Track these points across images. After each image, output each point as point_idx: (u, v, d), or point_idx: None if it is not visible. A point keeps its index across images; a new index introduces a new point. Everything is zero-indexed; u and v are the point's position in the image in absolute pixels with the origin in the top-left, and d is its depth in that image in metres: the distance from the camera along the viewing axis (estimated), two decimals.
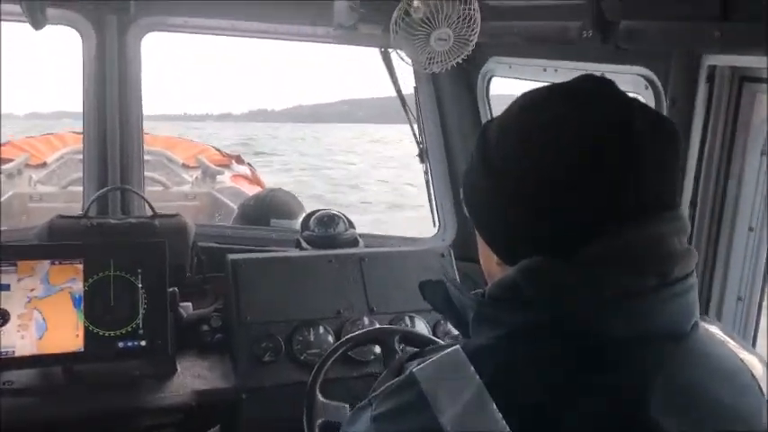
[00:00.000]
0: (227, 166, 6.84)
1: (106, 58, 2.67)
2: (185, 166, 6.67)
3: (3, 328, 1.88)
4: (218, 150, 7.35)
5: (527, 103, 0.93)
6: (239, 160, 7.20)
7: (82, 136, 6.66)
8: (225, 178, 6.46)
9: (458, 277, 2.45)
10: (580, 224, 0.83)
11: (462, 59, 2.47)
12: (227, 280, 2.23)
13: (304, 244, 2.56)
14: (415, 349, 1.68)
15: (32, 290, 1.93)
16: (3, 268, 1.92)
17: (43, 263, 1.96)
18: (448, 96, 2.93)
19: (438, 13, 2.37)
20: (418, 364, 0.84)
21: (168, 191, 5.89)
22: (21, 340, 1.89)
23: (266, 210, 3.19)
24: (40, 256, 1.97)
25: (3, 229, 2.98)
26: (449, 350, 0.85)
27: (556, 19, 2.22)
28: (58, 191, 5.64)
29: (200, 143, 7.71)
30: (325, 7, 2.75)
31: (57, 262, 1.97)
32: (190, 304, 2.32)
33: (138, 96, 2.78)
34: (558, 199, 0.83)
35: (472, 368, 0.79)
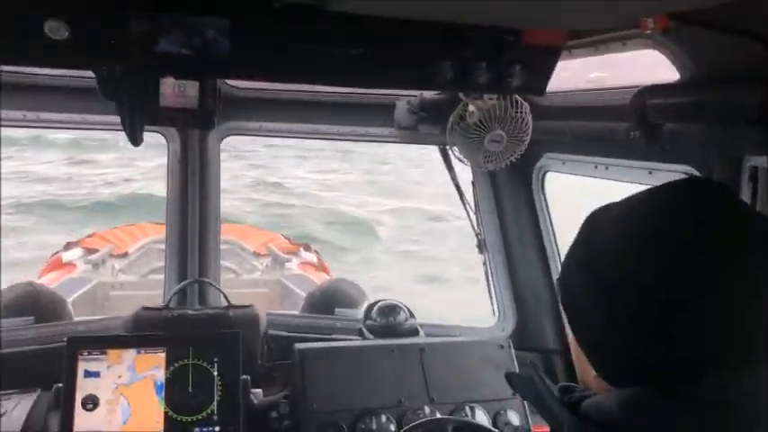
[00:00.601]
0: (295, 254, 7.10)
1: (188, 161, 2.94)
2: (256, 254, 6.98)
3: (93, 411, 2.06)
4: (287, 238, 7.65)
5: (643, 211, 0.86)
6: (306, 248, 7.46)
7: (161, 227, 7.04)
8: (293, 265, 6.69)
9: (517, 367, 2.50)
10: (696, 357, 0.76)
11: (516, 158, 2.62)
12: (294, 368, 2.36)
13: (366, 333, 2.68)
14: None
15: (120, 377, 2.12)
16: (94, 357, 2.12)
17: (130, 351, 2.15)
18: (504, 190, 3.06)
19: (491, 116, 2.54)
20: None
21: (240, 278, 6.15)
22: (108, 425, 2.06)
23: (331, 299, 3.34)
24: (128, 346, 2.16)
25: (91, 318, 3.22)
26: None
27: (604, 119, 2.35)
28: (138, 279, 5.98)
29: (270, 232, 8.05)
30: (388, 109, 2.97)
31: (142, 351, 2.16)
32: (260, 391, 2.44)
33: (217, 194, 3.03)
34: (679, 324, 0.76)
35: None
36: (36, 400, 2.27)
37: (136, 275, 6.12)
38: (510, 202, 3.06)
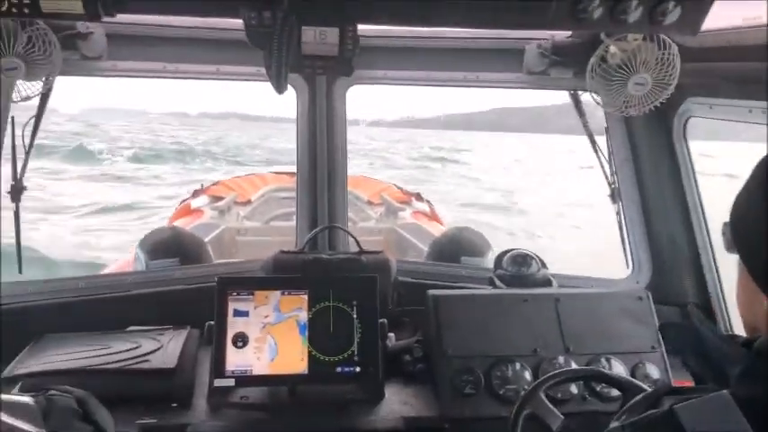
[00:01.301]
0: (408, 203, 7.15)
1: (317, 110, 2.99)
2: (370, 203, 7.08)
3: (243, 349, 2.17)
4: (400, 188, 7.70)
5: None
6: (419, 197, 7.49)
7: (280, 176, 7.27)
8: (406, 215, 6.76)
9: (656, 322, 2.42)
10: None
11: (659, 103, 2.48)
12: (428, 314, 2.39)
13: (498, 282, 2.66)
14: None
15: (266, 317, 2.22)
16: (243, 297, 2.23)
17: (275, 293, 2.25)
18: (642, 137, 2.91)
19: (635, 58, 2.41)
20: (677, 402, 0.87)
21: (355, 226, 6.28)
22: (257, 361, 2.17)
23: (457, 247, 3.35)
24: (273, 287, 2.26)
25: (230, 261, 3.39)
26: (715, 394, 0.84)
27: (762, 59, 2.17)
28: (261, 225, 6.23)
29: (382, 181, 8.13)
30: (516, 54, 2.88)
31: (286, 292, 2.25)
32: (392, 334, 2.50)
33: (344, 144, 3.07)
34: None
35: (744, 418, 0.80)
36: (187, 335, 2.43)
37: (258, 222, 6.38)
38: (647, 149, 2.91)
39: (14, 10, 1.79)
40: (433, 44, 2.97)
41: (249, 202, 6.82)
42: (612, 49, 2.44)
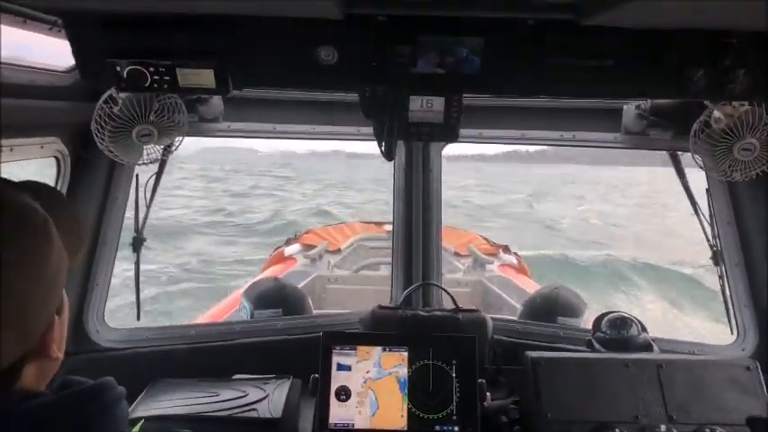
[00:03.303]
0: (496, 255, 7.13)
1: (413, 167, 3.10)
2: (457, 255, 7.12)
3: (345, 402, 2.25)
4: (486, 240, 7.70)
5: None
6: (506, 250, 7.46)
7: (368, 225, 7.42)
8: (494, 267, 6.74)
9: (766, 393, 2.33)
10: None
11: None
12: (527, 375, 2.40)
13: (597, 345, 2.64)
14: None
15: (368, 372, 2.29)
16: (345, 351, 2.32)
17: (376, 349, 2.32)
18: (745, 199, 2.85)
19: (741, 123, 2.38)
20: None
21: (443, 277, 6.31)
22: (358, 415, 2.24)
23: (553, 307, 3.33)
24: (375, 343, 2.33)
25: (330, 312, 3.51)
26: None
27: None
28: (350, 274, 6.37)
29: (469, 232, 8.16)
30: (613, 114, 2.90)
31: (387, 349, 2.32)
32: (488, 394, 2.51)
33: (438, 200, 3.15)
34: None
35: None
36: (291, 386, 2.53)
37: (348, 270, 6.53)
38: (751, 210, 2.84)
39: (156, 86, 2.00)
40: (527, 104, 3.03)
41: (339, 250, 7.00)
42: (717, 113, 2.43)
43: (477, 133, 3.13)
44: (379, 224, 7.80)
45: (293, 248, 6.87)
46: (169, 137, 2.50)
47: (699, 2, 1.62)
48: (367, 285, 5.90)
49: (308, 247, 6.87)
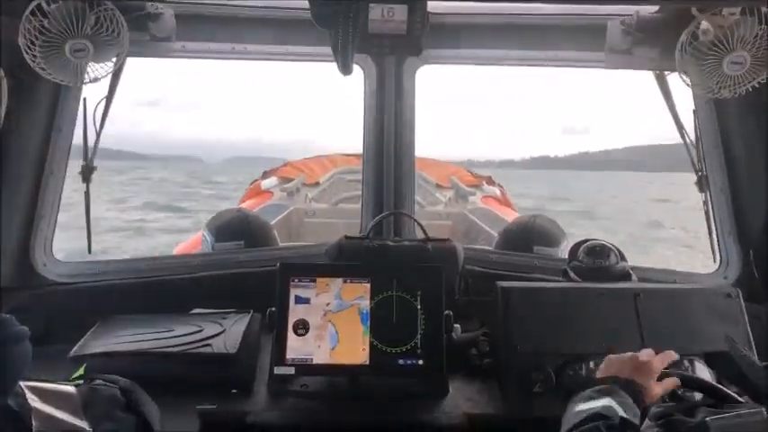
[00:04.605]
0: (479, 187, 6.99)
1: (385, 91, 2.89)
2: (439, 187, 6.97)
3: (304, 336, 2.12)
4: (470, 171, 7.55)
5: None
6: (490, 181, 7.32)
7: (349, 158, 7.23)
8: (476, 199, 6.61)
9: (747, 321, 2.23)
10: None
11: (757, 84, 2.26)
12: (497, 306, 2.27)
13: (572, 274, 2.51)
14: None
15: (327, 304, 2.16)
16: (304, 284, 2.18)
17: (337, 280, 2.18)
18: (733, 120, 2.69)
19: (731, 35, 2.20)
20: (711, 414, 0.82)
21: (423, 209, 6.18)
22: (317, 349, 2.12)
23: (529, 236, 3.20)
24: (335, 275, 2.19)
25: (296, 244, 3.36)
26: (752, 411, 0.79)
27: None
28: (328, 207, 6.22)
29: (452, 165, 7.99)
30: (596, 32, 2.69)
31: (348, 280, 2.19)
32: (458, 326, 2.39)
33: (412, 126, 2.96)
34: None
35: None
36: (250, 320, 2.40)
37: (326, 204, 6.37)
38: (740, 134, 2.68)
39: None
40: (507, 21, 2.82)
41: (317, 183, 6.83)
42: (705, 24, 2.23)
43: (454, 53, 2.91)
44: (360, 156, 7.57)
45: (270, 182, 6.69)
46: (109, 53, 2.28)
47: None
48: (345, 219, 5.76)
49: (286, 180, 6.69)
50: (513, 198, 7.49)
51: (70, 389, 1.41)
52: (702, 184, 2.81)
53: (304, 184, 6.67)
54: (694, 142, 2.82)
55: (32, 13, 2.14)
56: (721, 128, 2.73)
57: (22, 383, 1.24)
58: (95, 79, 2.37)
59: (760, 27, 2.18)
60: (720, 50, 2.22)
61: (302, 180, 6.66)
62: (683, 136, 2.85)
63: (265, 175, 6.98)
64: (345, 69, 2.02)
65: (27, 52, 2.16)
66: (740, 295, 2.28)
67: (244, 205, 6.02)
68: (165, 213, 25.81)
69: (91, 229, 2.78)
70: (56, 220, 2.69)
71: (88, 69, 2.37)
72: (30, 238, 2.61)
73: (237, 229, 3.15)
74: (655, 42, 2.56)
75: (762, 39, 2.18)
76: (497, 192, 7.07)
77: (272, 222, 5.06)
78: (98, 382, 1.56)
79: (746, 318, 2.23)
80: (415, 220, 2.83)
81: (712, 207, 2.80)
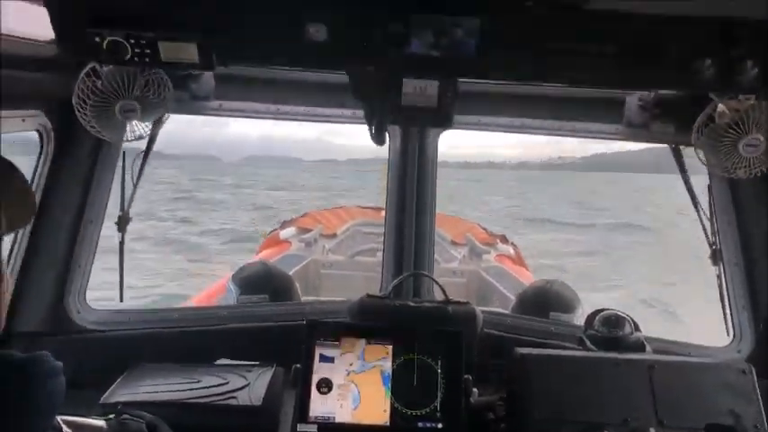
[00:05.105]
0: (493, 245, 7.06)
1: (408, 156, 3.01)
2: (454, 243, 7.04)
3: (327, 395, 2.18)
4: (485, 229, 7.63)
5: None
6: (504, 240, 7.39)
7: (366, 211, 7.34)
8: (490, 257, 6.67)
9: (760, 398, 2.26)
10: None
11: None
12: (515, 372, 2.32)
13: (588, 343, 2.56)
14: None
15: (351, 364, 2.22)
16: (329, 343, 2.25)
17: (360, 341, 2.25)
18: (747, 198, 2.77)
19: (747, 118, 2.30)
20: None
21: (438, 266, 6.24)
22: (339, 408, 2.17)
23: (545, 301, 3.26)
24: (359, 335, 2.26)
25: (318, 299, 3.44)
26: None
27: None
28: (345, 260, 6.31)
29: (468, 221, 8.08)
30: (615, 105, 2.80)
31: (371, 341, 2.25)
32: (476, 390, 2.44)
33: (433, 189, 3.07)
34: None
35: None
36: (273, 374, 2.46)
37: (343, 256, 6.46)
38: (753, 210, 2.76)
39: (137, 59, 1.91)
40: (528, 91, 2.93)
41: (335, 235, 6.93)
42: (721, 107, 2.34)
43: (476, 120, 3.03)
44: (377, 209, 7.71)
45: (289, 232, 6.81)
46: (154, 113, 2.42)
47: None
48: (362, 271, 5.84)
49: (304, 230, 6.80)
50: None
51: (101, 423, 1.54)
52: (716, 257, 2.87)
53: (322, 234, 6.77)
54: (708, 217, 2.89)
55: (87, 74, 2.27)
56: (736, 204, 2.80)
57: (58, 417, 1.32)
58: (140, 137, 2.50)
59: None
60: (736, 133, 2.32)
61: (320, 231, 6.77)
62: (697, 209, 2.92)
63: (284, 224, 7.11)
64: (380, 141, 2.13)
65: (79, 111, 2.29)
66: (753, 371, 2.32)
67: (263, 254, 6.13)
68: None
69: (124, 278, 2.87)
70: (90, 270, 2.79)
71: (133, 127, 2.51)
72: (65, 285, 2.71)
73: (262, 283, 3.24)
74: (671, 118, 2.67)
75: None
76: (511, 250, 7.14)
77: (291, 272, 5.15)
78: (126, 416, 1.64)
79: (759, 394, 2.27)
80: (436, 281, 2.90)
81: (726, 281, 2.85)
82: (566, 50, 1.92)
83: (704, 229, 2.92)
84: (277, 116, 2.96)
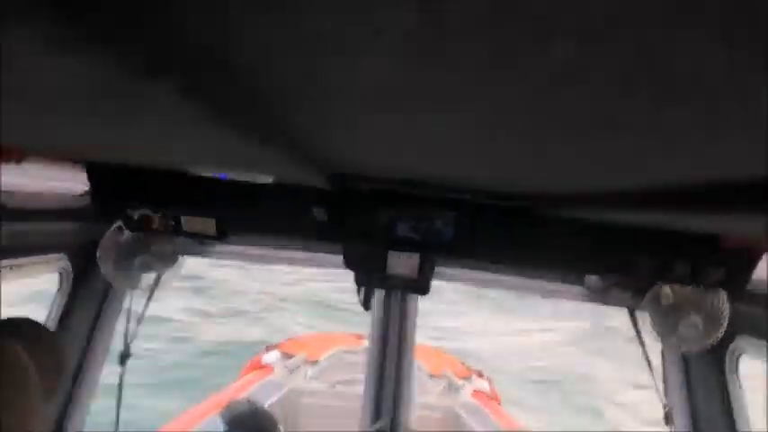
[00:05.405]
0: (468, 380, 7.18)
1: (390, 317, 3.29)
2: (431, 376, 7.16)
3: None
4: (463, 363, 7.76)
5: None
6: (480, 374, 7.51)
7: (348, 338, 7.40)
8: (466, 392, 6.77)
9: None
10: None
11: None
12: None
13: None
14: None
15: None
16: None
17: None
18: (696, 367, 3.03)
19: (687, 303, 2.62)
20: None
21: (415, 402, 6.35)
22: None
23: None
24: None
25: None
26: None
27: None
28: (326, 389, 6.40)
29: (448, 355, 8.22)
30: (575, 270, 3.13)
31: None
32: None
33: (412, 346, 3.34)
34: None
35: None
36: None
37: (324, 384, 6.55)
38: (700, 378, 3.02)
39: (162, 229, 2.25)
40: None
41: (317, 362, 7.02)
42: (666, 290, 2.67)
43: (451, 273, 3.34)
44: (358, 337, 7.82)
45: (272, 356, 6.91)
46: (165, 266, 2.72)
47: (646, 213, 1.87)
48: (343, 402, 5.94)
49: (287, 355, 6.91)
50: None
51: None
52: (668, 418, 3.11)
53: (305, 361, 6.87)
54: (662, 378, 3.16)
55: (113, 230, 2.60)
56: (686, 371, 3.08)
57: None
58: (149, 287, 2.79)
59: (712, 298, 2.61)
60: (677, 314, 2.64)
61: (304, 357, 6.88)
62: (650, 371, 3.19)
63: (268, 348, 7.21)
64: (366, 305, 2.45)
65: (101, 263, 2.59)
66: None
67: (244, 380, 6.23)
68: None
69: (120, 411, 3.04)
70: (89, 407, 2.96)
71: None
72: (63, 420, 2.88)
73: (249, 424, 3.42)
74: (627, 287, 3.00)
75: (711, 307, 2.60)
76: (486, 386, 7.23)
77: (272, 400, 5.29)
78: None
79: None
80: None
81: None
82: (525, 243, 2.28)
83: (658, 392, 3.17)
84: (277, 261, 3.25)
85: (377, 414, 3.19)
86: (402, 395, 3.22)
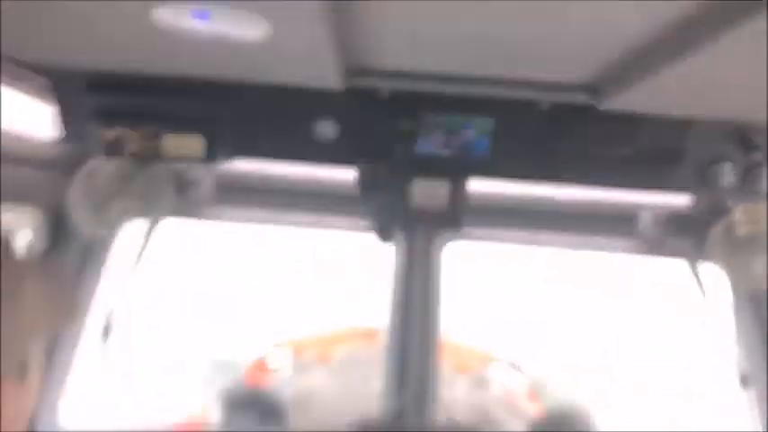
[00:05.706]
0: (496, 371, 6.84)
1: (414, 265, 2.88)
2: (457, 372, 6.81)
3: None
4: (491, 357, 7.41)
5: None
6: (514, 367, 7.18)
7: (358, 334, 7.13)
8: (497, 387, 6.44)
9: None
10: None
11: None
12: None
13: None
14: None
15: None
16: None
17: None
18: None
19: (760, 234, 2.22)
20: None
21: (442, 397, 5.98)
22: None
23: None
24: None
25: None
26: None
27: None
28: (338, 387, 6.05)
29: (473, 348, 7.87)
30: (626, 220, 2.74)
31: None
32: None
33: (438, 306, 2.93)
34: None
35: None
36: None
37: (336, 382, 6.21)
38: None
39: (137, 152, 1.86)
40: (540, 205, 2.87)
41: (328, 360, 6.72)
42: (741, 217, 2.27)
43: (483, 232, 2.95)
44: (369, 333, 7.47)
45: (277, 357, 6.61)
46: (155, 213, 2.34)
47: (724, 91, 1.49)
48: (356, 399, 5.60)
49: (297, 353, 6.61)
50: None
51: None
52: (745, 381, 2.70)
53: (315, 359, 6.57)
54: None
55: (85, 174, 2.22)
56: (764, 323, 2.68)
57: None
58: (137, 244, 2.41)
59: None
60: (755, 246, 2.24)
61: (313, 355, 6.58)
62: (720, 330, 2.78)
63: (276, 347, 6.91)
64: (385, 237, 2.05)
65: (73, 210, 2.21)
66: None
67: (252, 377, 5.92)
68: None
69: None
70: (64, 384, 2.59)
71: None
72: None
73: (251, 408, 3.03)
74: (687, 234, 2.60)
75: None
76: (518, 379, 6.90)
77: (283, 397, 4.90)
78: None
79: None
80: None
81: (758, 406, 2.67)
82: (579, 152, 1.90)
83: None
84: (278, 223, 2.88)
85: (400, 387, 2.78)
86: (428, 359, 2.81)
